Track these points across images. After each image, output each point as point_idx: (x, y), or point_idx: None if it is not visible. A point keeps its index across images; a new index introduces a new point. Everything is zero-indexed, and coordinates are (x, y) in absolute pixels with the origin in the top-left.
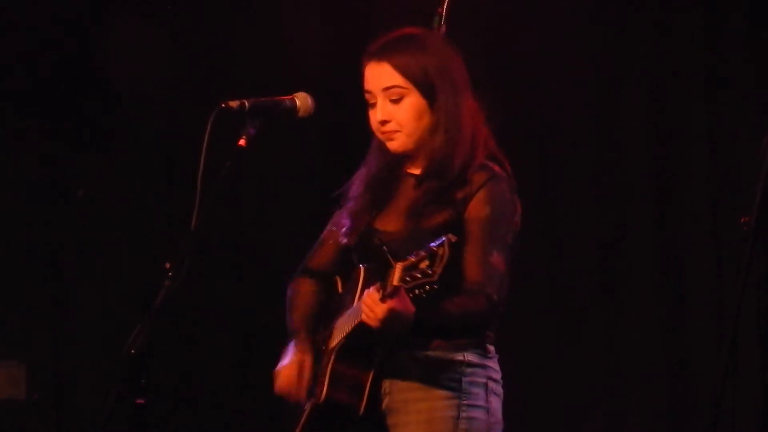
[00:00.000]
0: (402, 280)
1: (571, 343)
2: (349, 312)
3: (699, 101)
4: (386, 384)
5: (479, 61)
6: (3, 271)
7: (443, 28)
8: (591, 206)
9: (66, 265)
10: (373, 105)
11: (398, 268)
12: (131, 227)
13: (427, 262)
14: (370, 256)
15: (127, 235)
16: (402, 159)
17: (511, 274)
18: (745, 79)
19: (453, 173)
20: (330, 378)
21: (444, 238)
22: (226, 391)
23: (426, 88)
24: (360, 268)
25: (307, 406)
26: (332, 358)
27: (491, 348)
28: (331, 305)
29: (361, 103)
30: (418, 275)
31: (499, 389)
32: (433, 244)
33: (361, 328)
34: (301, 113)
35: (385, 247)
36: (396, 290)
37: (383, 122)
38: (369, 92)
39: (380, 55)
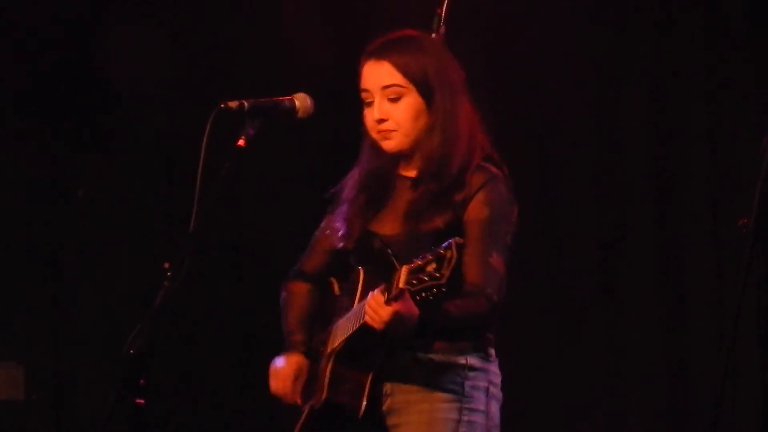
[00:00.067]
0: (408, 282)
1: (571, 343)
2: (349, 314)
3: (699, 101)
4: (387, 386)
5: (479, 61)
6: (2, 271)
7: (443, 29)
8: (591, 206)
9: (66, 265)
10: (370, 104)
11: (404, 271)
12: (131, 227)
13: (434, 265)
14: (369, 259)
15: (127, 235)
16: (396, 160)
17: (510, 275)
18: (745, 79)
19: (450, 175)
20: (330, 380)
21: (451, 241)
22: (226, 391)
23: (424, 88)
24: (359, 270)
25: (306, 408)
26: (332, 359)
27: (492, 351)
28: (327, 307)
29: (361, 104)
30: (425, 278)
31: (499, 394)
32: (440, 247)
33: (364, 330)
34: (300, 114)
35: (389, 250)
36: (401, 293)
37: (380, 121)
38: (366, 91)
39: (379, 54)
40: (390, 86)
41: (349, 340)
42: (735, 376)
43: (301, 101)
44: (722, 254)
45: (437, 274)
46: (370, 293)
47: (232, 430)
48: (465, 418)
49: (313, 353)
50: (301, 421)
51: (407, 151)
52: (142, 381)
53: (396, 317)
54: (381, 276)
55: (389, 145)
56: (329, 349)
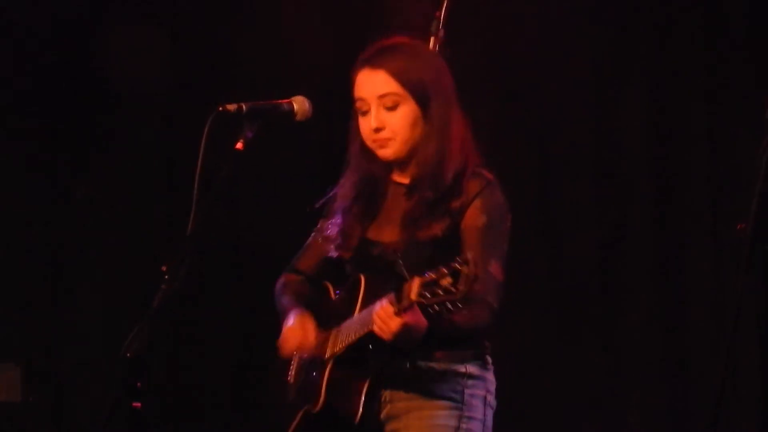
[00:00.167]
0: (421, 295)
1: (571, 343)
2: (352, 321)
3: (699, 101)
4: (386, 393)
5: (479, 61)
6: (2, 271)
7: (441, 32)
8: (591, 206)
9: (66, 265)
10: (365, 112)
11: (416, 283)
12: (131, 227)
13: (449, 279)
14: (368, 266)
15: (127, 235)
16: (388, 166)
17: (509, 276)
18: (745, 79)
19: (446, 182)
20: (327, 385)
21: (468, 256)
22: (226, 391)
23: (420, 96)
24: (360, 278)
25: (300, 411)
26: (330, 364)
27: (489, 359)
28: (324, 311)
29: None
30: (440, 291)
31: (494, 402)
32: (455, 261)
33: (369, 338)
34: (298, 117)
35: (390, 258)
36: (411, 305)
37: (377, 129)
38: (362, 99)
39: (375, 62)
40: (387, 95)
41: (351, 348)
42: (735, 376)
43: (300, 104)
44: (722, 254)
45: (453, 289)
46: (378, 303)
47: (232, 431)
48: (464, 425)
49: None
50: (295, 423)
51: (403, 158)
52: (138, 384)
53: (405, 329)
54: (382, 284)
55: (386, 153)
56: (328, 354)
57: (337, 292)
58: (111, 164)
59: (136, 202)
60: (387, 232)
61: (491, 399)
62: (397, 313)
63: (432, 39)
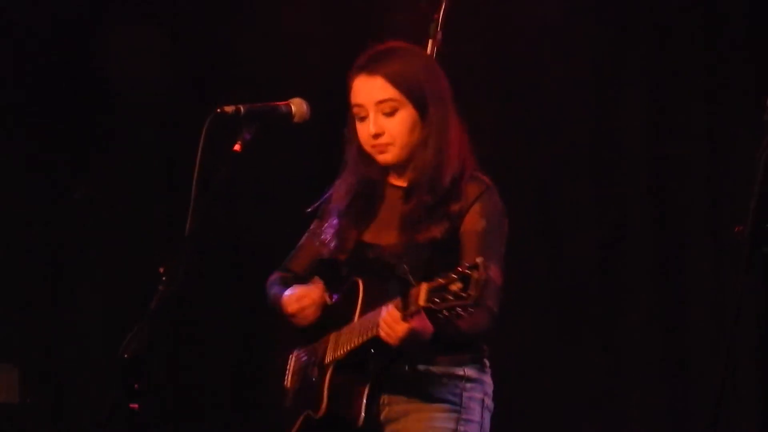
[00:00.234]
0: (430, 300)
1: (571, 343)
2: (353, 325)
3: (699, 101)
4: (385, 396)
5: (479, 61)
6: (2, 271)
7: (439, 35)
8: (591, 206)
9: (65, 265)
10: (363, 118)
11: (423, 288)
12: (131, 227)
13: (459, 285)
14: (365, 269)
15: (127, 235)
16: (385, 169)
17: (508, 277)
18: (745, 79)
19: (444, 185)
20: (329, 390)
21: (477, 261)
22: (226, 391)
23: (418, 101)
24: (358, 282)
25: (301, 415)
26: (331, 369)
27: (487, 362)
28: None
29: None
30: (450, 297)
31: (492, 405)
32: (463, 266)
33: (373, 342)
34: (296, 119)
35: (406, 266)
36: (419, 310)
37: (376, 135)
38: (359, 105)
39: (372, 68)
40: (385, 101)
41: (354, 353)
42: (735, 376)
43: (297, 106)
44: (722, 254)
45: (464, 294)
46: (384, 308)
47: (232, 431)
48: (461, 428)
49: (305, 361)
50: (295, 428)
51: (402, 163)
52: (136, 385)
53: (412, 334)
54: (381, 288)
55: (385, 158)
56: (329, 359)
57: (333, 295)
58: (111, 164)
59: (136, 202)
60: (385, 235)
61: (489, 402)
62: (404, 318)
63: (430, 41)
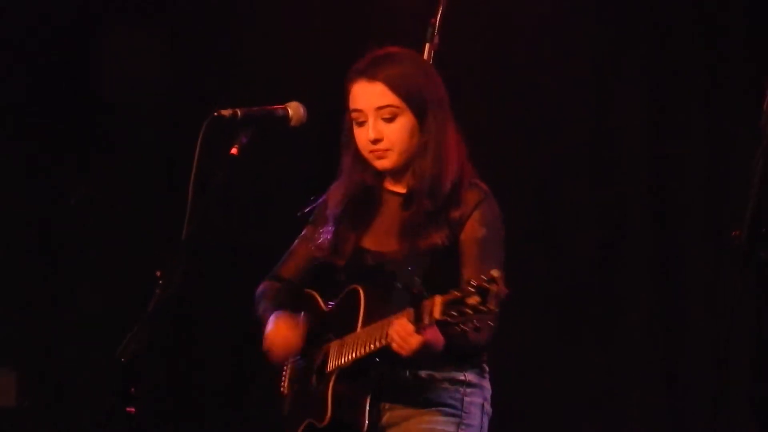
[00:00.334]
0: (446, 314)
1: (571, 343)
2: (356, 335)
3: (699, 101)
4: (387, 401)
5: (479, 61)
6: (1, 271)
7: (436, 39)
8: (591, 206)
9: (65, 266)
10: (362, 123)
11: (438, 301)
12: (131, 227)
13: (477, 299)
14: (364, 276)
15: (127, 235)
16: (381, 175)
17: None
18: (745, 79)
19: (444, 192)
20: (333, 398)
21: (494, 275)
22: (226, 391)
23: (417, 107)
24: (358, 290)
25: (302, 425)
26: (334, 377)
27: (486, 367)
28: (315, 321)
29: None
30: (468, 311)
31: (491, 409)
32: (479, 279)
33: (381, 353)
34: (293, 123)
35: (417, 278)
36: (433, 323)
37: (375, 141)
38: (359, 111)
39: (371, 74)
40: (385, 107)
41: (359, 362)
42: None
43: (294, 110)
44: (722, 254)
45: (483, 308)
46: (396, 320)
47: (232, 431)
48: None
49: (304, 369)
50: None
51: (400, 169)
52: (132, 389)
53: (425, 347)
54: (382, 296)
55: (384, 164)
56: (332, 366)
57: (329, 303)
58: (111, 165)
59: (135, 203)
60: (384, 242)
61: (487, 406)
62: (418, 331)
63: (427, 46)
